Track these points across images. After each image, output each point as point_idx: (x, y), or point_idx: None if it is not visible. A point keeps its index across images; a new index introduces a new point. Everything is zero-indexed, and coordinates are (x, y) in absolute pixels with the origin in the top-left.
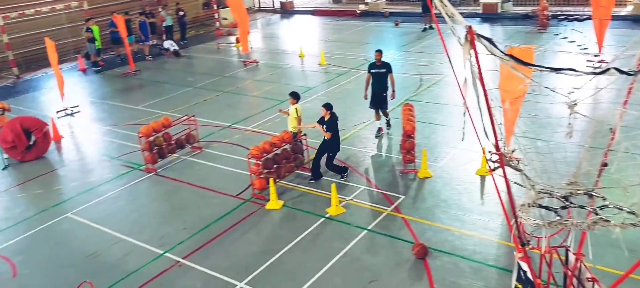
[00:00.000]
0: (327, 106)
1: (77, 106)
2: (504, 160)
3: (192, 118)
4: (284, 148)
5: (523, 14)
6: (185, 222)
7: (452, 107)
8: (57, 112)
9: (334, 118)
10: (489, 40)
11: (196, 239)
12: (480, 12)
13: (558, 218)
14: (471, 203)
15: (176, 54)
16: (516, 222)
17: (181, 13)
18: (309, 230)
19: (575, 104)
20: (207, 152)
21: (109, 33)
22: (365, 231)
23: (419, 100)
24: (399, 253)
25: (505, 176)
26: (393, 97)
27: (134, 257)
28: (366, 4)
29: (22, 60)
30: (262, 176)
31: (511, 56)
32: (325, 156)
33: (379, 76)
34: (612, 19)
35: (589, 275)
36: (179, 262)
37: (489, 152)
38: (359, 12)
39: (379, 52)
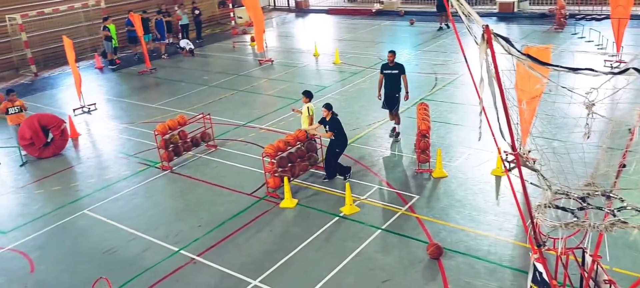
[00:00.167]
0: (328, 106)
1: (94, 104)
2: (520, 161)
3: (208, 116)
4: (299, 147)
5: (540, 13)
6: (200, 220)
7: (467, 107)
8: (75, 109)
9: (335, 116)
10: (506, 39)
11: (211, 236)
12: (496, 11)
13: (575, 219)
14: (486, 204)
15: (191, 52)
16: (532, 222)
17: (197, 12)
18: (323, 228)
19: (593, 104)
20: (222, 150)
21: (126, 32)
22: (379, 230)
23: (434, 99)
24: (413, 253)
25: (521, 176)
26: (407, 98)
27: (149, 253)
28: (381, 2)
29: (41, 58)
30: (276, 174)
31: (528, 55)
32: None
33: (392, 77)
34: (630, 19)
35: (606, 278)
36: (193, 259)
37: (505, 152)
38: (374, 11)
39: (392, 53)
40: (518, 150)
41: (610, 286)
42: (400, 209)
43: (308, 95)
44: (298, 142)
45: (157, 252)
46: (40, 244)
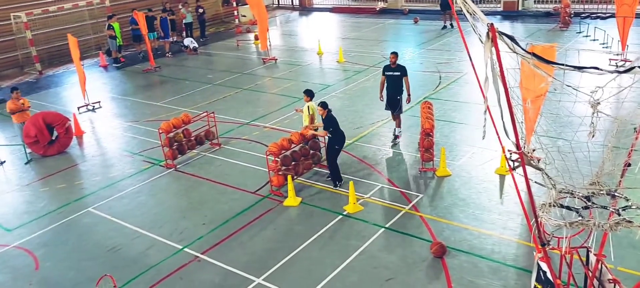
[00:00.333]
0: (323, 105)
1: (99, 102)
2: (524, 159)
3: (212, 115)
4: (303, 145)
5: (545, 12)
6: (204, 218)
7: (471, 105)
8: (79, 107)
9: (330, 114)
10: (511, 38)
11: (215, 234)
12: (500, 9)
13: (579, 218)
14: (490, 203)
15: (195, 50)
16: (536, 221)
17: (201, 10)
18: (327, 227)
19: (599, 103)
20: (226, 148)
21: (130, 30)
22: (383, 229)
23: (438, 98)
24: (417, 252)
25: (525, 175)
26: (408, 101)
27: (154, 251)
28: (385, 1)
29: (45, 56)
30: (280, 173)
31: (533, 54)
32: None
33: (394, 79)
34: (636, 17)
35: (610, 277)
36: (197, 257)
37: (509, 151)
38: (378, 9)
39: (394, 54)
40: (522, 149)
41: (614, 285)
42: (404, 208)
43: (309, 94)
44: (302, 141)
45: (161, 250)
46: (45, 241)
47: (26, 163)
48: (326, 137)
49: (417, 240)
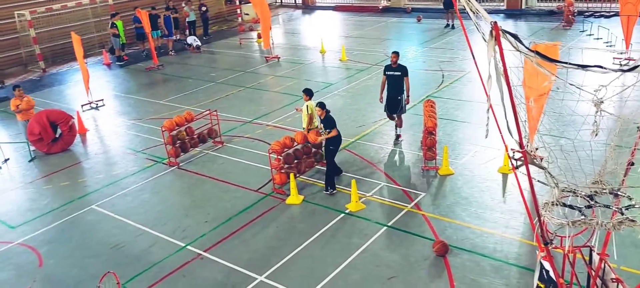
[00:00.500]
0: (321, 105)
1: (102, 100)
2: (528, 158)
3: (214, 113)
4: (305, 143)
5: (548, 10)
6: (207, 215)
7: (474, 104)
8: (83, 105)
9: (329, 115)
10: (514, 36)
11: (217, 232)
12: (503, 8)
13: (582, 217)
14: (493, 201)
15: (198, 48)
16: (539, 220)
17: (204, 8)
18: (329, 225)
19: (602, 102)
20: (229, 146)
21: (134, 28)
22: (385, 227)
23: (441, 96)
24: (419, 251)
25: (528, 174)
26: (407, 102)
27: (157, 248)
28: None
29: (49, 54)
30: (282, 171)
31: (537, 52)
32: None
33: (394, 79)
34: None
35: (613, 276)
36: (200, 254)
37: (512, 149)
38: (381, 7)
39: (395, 54)
40: (525, 147)
41: (617, 285)
42: (406, 206)
43: (308, 93)
44: (305, 141)
45: (164, 247)
46: (49, 239)
47: (30, 161)
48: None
49: (419, 238)
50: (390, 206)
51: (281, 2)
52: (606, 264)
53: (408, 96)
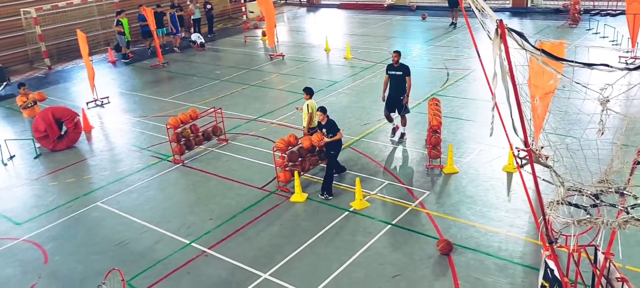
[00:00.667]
0: (323, 110)
1: (107, 97)
2: (533, 157)
3: (219, 110)
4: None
5: (554, 9)
6: (212, 213)
7: (479, 102)
8: (88, 102)
9: (330, 119)
10: (520, 34)
11: (222, 229)
12: (509, 6)
13: (588, 216)
14: (497, 200)
15: (202, 46)
16: (544, 219)
17: (209, 6)
18: (333, 223)
19: (608, 100)
20: (234, 144)
21: (139, 26)
22: (389, 226)
23: (446, 94)
24: (423, 249)
25: (533, 173)
26: (405, 102)
27: (161, 245)
28: None
29: (55, 51)
30: (287, 169)
31: (543, 51)
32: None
33: (396, 79)
34: None
35: (618, 275)
36: (205, 251)
37: (516, 148)
38: (385, 5)
39: (397, 53)
40: (531, 146)
41: (622, 284)
42: (411, 205)
43: (308, 91)
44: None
45: (168, 244)
46: (54, 235)
47: (35, 158)
48: (331, 139)
49: (423, 237)
50: (395, 204)
51: (286, 0)
52: (611, 263)
53: (407, 95)
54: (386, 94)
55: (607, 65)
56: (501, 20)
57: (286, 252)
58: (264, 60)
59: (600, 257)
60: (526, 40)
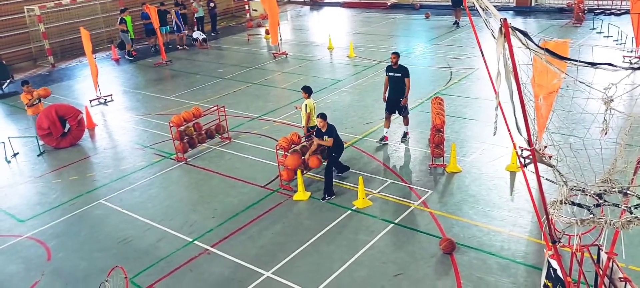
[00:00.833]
0: (323, 116)
1: (110, 95)
2: (536, 156)
3: (222, 109)
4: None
5: (558, 8)
6: (214, 211)
7: (482, 101)
8: (91, 100)
9: (331, 125)
10: (524, 33)
11: (224, 227)
12: (513, 5)
13: (591, 216)
14: (500, 200)
15: (204, 41)
16: (547, 218)
17: (212, 4)
18: (335, 222)
19: (612, 100)
20: (236, 142)
21: (142, 24)
22: (392, 224)
23: (449, 93)
24: (426, 248)
25: (537, 172)
26: (403, 103)
27: (164, 243)
28: None
29: (58, 49)
30: (289, 167)
31: (547, 50)
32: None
33: (395, 80)
34: None
35: (621, 275)
36: (207, 249)
37: (519, 147)
38: (389, 4)
39: (395, 54)
40: (534, 145)
41: (625, 284)
42: (413, 204)
43: (307, 90)
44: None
45: (171, 242)
46: (58, 233)
47: (39, 155)
48: (327, 144)
49: (426, 236)
50: (397, 203)
51: None
52: (614, 263)
53: (406, 97)
54: (386, 95)
55: (612, 65)
56: (505, 19)
57: (289, 251)
58: (267, 59)
59: (603, 256)
60: (530, 39)
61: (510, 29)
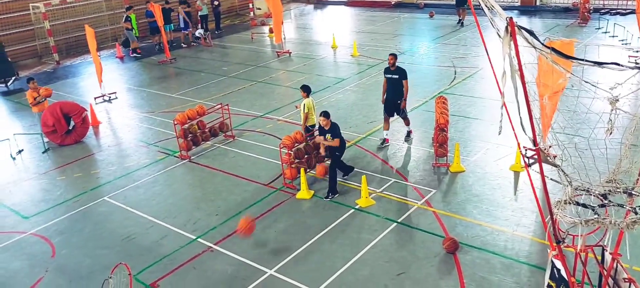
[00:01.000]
0: (326, 114)
1: (115, 93)
2: (541, 156)
3: (226, 107)
4: (315, 141)
5: (563, 7)
6: (218, 209)
7: (486, 101)
8: (96, 98)
9: (334, 123)
10: (530, 32)
11: (228, 225)
12: (518, 4)
13: (595, 216)
14: (504, 199)
15: (205, 39)
16: (552, 218)
17: (216, 3)
18: (339, 220)
19: (617, 100)
20: (240, 140)
21: (146, 22)
22: (395, 224)
23: (453, 93)
24: (429, 247)
25: (541, 172)
26: (403, 105)
27: (167, 240)
28: None
29: (63, 46)
30: (293, 166)
31: (553, 49)
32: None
33: (393, 82)
34: None
35: (625, 276)
36: (210, 247)
37: (524, 147)
38: (393, 2)
39: (393, 56)
40: (539, 145)
41: (629, 285)
42: (417, 203)
43: (306, 90)
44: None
45: (175, 240)
46: (62, 229)
47: (43, 152)
48: (328, 144)
49: (429, 235)
50: (400, 202)
51: None
52: (618, 264)
53: (405, 99)
54: (384, 97)
55: (618, 64)
56: (511, 18)
57: (292, 249)
58: (271, 57)
59: (608, 257)
60: (536, 38)
61: (516, 28)
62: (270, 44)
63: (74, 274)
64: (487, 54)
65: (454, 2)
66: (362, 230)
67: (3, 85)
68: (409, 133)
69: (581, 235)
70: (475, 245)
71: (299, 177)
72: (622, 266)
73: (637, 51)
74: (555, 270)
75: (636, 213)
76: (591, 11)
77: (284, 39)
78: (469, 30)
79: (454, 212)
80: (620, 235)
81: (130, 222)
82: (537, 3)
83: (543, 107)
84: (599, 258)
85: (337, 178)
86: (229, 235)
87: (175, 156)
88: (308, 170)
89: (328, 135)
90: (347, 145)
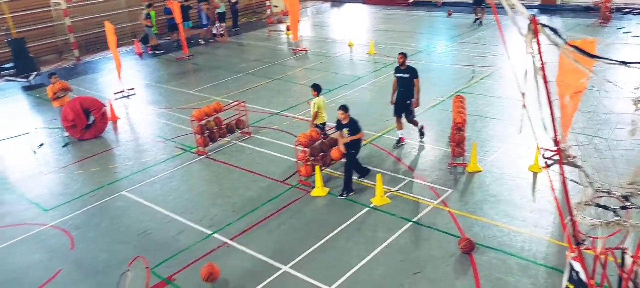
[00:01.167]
0: (345, 108)
1: (133, 88)
2: (562, 156)
3: (243, 104)
4: (331, 136)
5: (584, 6)
6: (234, 205)
7: (505, 100)
8: (115, 93)
9: (353, 118)
10: (554, 30)
11: (244, 221)
12: (538, 3)
13: (616, 218)
14: (522, 200)
15: (221, 35)
16: (571, 220)
17: (234, 0)
18: (353, 218)
19: None
20: (256, 137)
21: (165, 19)
22: (410, 223)
23: (471, 92)
24: (444, 247)
25: (562, 172)
26: (415, 105)
27: (184, 236)
28: None
29: (83, 42)
30: (308, 163)
31: (577, 48)
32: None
33: (403, 81)
34: None
35: None
36: (226, 242)
37: (542, 148)
38: (410, 1)
39: (403, 55)
40: (560, 145)
41: None
42: (432, 202)
43: (316, 88)
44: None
45: (191, 235)
46: (79, 223)
47: (63, 147)
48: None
49: (445, 235)
50: (416, 202)
51: None
52: (639, 267)
53: (417, 98)
54: (394, 98)
55: None
56: (534, 16)
57: (306, 246)
58: (288, 55)
59: (628, 260)
60: (560, 36)
61: (539, 26)
62: (286, 42)
63: (90, 269)
64: (507, 53)
65: (471, 0)
66: (377, 229)
67: (25, 80)
68: (420, 130)
69: (601, 238)
70: (491, 246)
71: (314, 174)
72: None
73: None
74: (573, 273)
75: None
76: (613, 10)
77: (301, 36)
78: (488, 29)
79: (471, 212)
80: None
81: (147, 217)
82: (558, 2)
83: (564, 107)
84: (619, 261)
85: (353, 178)
86: (244, 230)
87: (192, 152)
88: (323, 167)
89: (345, 130)
90: (362, 143)
